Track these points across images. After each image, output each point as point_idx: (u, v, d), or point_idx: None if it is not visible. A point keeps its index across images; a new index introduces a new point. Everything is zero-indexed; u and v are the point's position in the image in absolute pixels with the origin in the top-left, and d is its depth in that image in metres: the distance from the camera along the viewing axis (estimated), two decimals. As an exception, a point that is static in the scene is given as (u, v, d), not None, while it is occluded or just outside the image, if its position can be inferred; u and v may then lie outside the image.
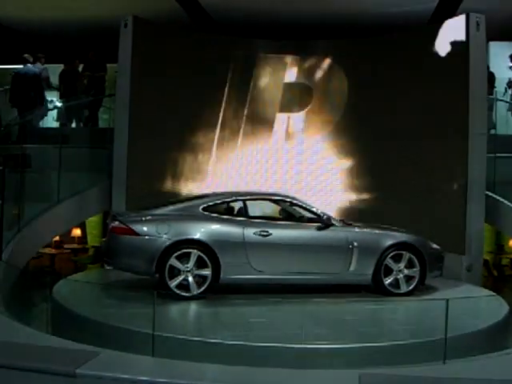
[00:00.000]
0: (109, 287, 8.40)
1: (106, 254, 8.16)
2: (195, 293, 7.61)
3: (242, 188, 11.19)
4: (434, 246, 8.68)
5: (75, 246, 14.16)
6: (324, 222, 8.14)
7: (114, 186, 11.09)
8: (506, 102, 12.42)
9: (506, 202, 10.45)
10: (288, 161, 12.15)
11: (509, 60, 13.29)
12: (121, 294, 7.95)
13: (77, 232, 14.30)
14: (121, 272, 8.29)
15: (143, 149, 11.27)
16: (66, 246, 13.86)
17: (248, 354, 5.74)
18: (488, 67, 12.04)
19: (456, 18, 10.87)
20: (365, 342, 6.07)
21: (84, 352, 5.16)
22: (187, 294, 7.59)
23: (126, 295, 7.84)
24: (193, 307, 7.51)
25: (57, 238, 12.97)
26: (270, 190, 10.89)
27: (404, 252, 8.23)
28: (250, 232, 7.83)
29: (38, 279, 9.67)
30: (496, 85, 12.98)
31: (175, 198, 10.50)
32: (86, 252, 14.50)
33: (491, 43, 14.13)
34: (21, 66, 12.83)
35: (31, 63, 12.84)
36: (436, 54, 11.02)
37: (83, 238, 15.05)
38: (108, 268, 8.20)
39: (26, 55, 12.89)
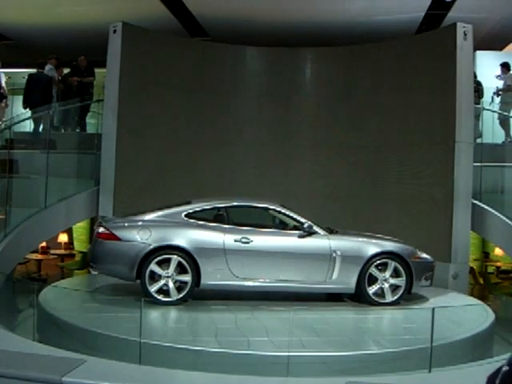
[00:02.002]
0: (94, 293, 8.37)
1: (91, 259, 8.23)
2: (175, 298, 7.66)
3: (231, 194, 11.20)
4: (424, 255, 8.59)
5: (62, 251, 14.10)
6: (305, 230, 8.12)
7: (101, 192, 11.08)
8: (493, 111, 12.47)
9: (491, 210, 10.52)
10: (277, 167, 12.15)
11: (499, 68, 13.38)
12: (107, 300, 7.94)
13: (63, 237, 14.23)
14: (107, 277, 8.34)
15: (131, 155, 11.28)
16: (52, 251, 13.79)
17: (202, 359, 5.77)
18: (475, 76, 12.14)
19: (443, 28, 10.94)
20: (326, 352, 6.03)
21: (70, 359, 5.13)
22: (167, 300, 7.64)
23: (112, 301, 7.84)
24: (168, 312, 7.50)
25: (43, 243, 12.91)
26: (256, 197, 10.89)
27: (389, 261, 8.17)
28: (231, 239, 7.86)
29: (25, 285, 9.63)
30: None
31: (163, 203, 10.50)
32: (72, 258, 14.44)
33: (478, 52, 14.25)
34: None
35: (42, 68, 13.19)
36: (423, 63, 11.10)
37: (70, 244, 14.99)
38: (93, 273, 8.23)
39: (40, 61, 13.29)
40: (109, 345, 6.09)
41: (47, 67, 13.45)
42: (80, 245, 14.96)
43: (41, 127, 13.03)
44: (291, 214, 8.33)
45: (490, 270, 14.10)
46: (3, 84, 13.35)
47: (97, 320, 6.83)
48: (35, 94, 12.73)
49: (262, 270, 7.93)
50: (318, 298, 8.50)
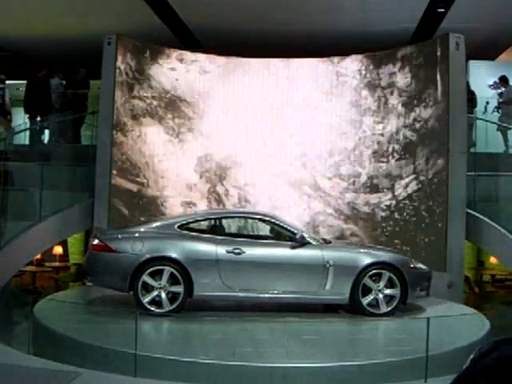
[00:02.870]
0: (89, 305, 8.36)
1: (85, 271, 8.27)
2: (167, 309, 7.65)
3: (228, 206, 11.24)
4: (419, 265, 8.50)
5: (57, 263, 14.05)
6: (297, 241, 8.06)
7: (96, 204, 11.04)
8: (486, 121, 12.51)
9: (486, 219, 10.52)
10: (273, 174, 12.14)
11: (492, 79, 13.45)
12: (102, 312, 7.93)
13: (58, 250, 14.19)
14: (102, 289, 8.35)
15: (126, 166, 11.28)
16: (47, 263, 13.75)
17: (193, 371, 5.75)
18: (469, 86, 12.19)
19: (436, 38, 11.00)
20: (318, 363, 6.01)
21: (65, 372, 5.12)
22: (160, 310, 7.63)
23: (107, 313, 7.82)
24: (160, 324, 7.51)
25: (38, 255, 12.86)
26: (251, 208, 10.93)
27: (383, 271, 8.07)
28: (223, 250, 7.85)
29: (20, 298, 9.61)
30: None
31: (158, 215, 10.52)
32: (67, 270, 14.39)
33: (471, 62, 14.31)
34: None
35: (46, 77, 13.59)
36: (416, 73, 11.15)
37: (65, 256, 14.95)
38: (88, 284, 8.26)
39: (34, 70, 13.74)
40: (104, 357, 6.08)
41: (55, 81, 13.70)
42: (75, 257, 14.92)
43: (36, 139, 13.08)
44: (284, 225, 8.31)
45: (486, 278, 14.12)
46: (7, 100, 13.44)
47: (92, 332, 6.81)
48: (35, 100, 13.10)
49: (254, 281, 7.90)
50: (312, 308, 8.47)
